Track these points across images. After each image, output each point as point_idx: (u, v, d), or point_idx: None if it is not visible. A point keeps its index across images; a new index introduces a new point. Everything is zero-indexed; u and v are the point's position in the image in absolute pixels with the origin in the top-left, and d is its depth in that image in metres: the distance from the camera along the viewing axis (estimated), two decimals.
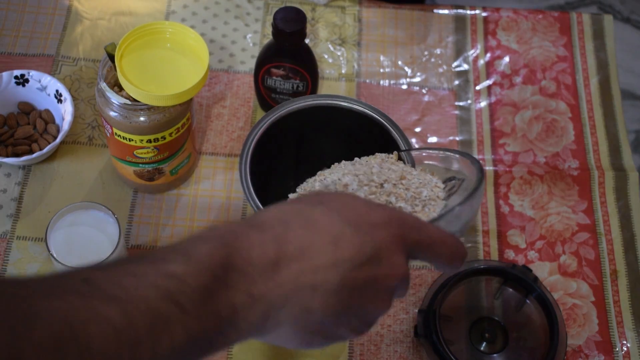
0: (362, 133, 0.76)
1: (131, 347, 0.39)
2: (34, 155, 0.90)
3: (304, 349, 0.49)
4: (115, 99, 0.82)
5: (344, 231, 0.48)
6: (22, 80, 0.96)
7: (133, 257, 0.47)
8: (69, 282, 0.40)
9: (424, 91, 1.05)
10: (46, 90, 0.96)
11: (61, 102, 0.94)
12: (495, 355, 0.85)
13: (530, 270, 0.88)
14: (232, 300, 0.44)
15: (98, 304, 0.39)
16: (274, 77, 0.95)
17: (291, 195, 0.72)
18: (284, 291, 0.46)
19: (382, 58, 1.07)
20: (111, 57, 0.83)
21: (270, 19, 1.07)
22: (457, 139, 1.02)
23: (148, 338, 0.40)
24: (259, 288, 0.45)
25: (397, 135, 0.73)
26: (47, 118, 0.96)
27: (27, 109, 0.97)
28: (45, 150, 0.90)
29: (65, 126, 0.91)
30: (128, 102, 0.82)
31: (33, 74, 0.95)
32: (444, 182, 0.66)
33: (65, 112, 0.93)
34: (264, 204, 0.68)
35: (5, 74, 0.95)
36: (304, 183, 0.70)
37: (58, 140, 0.91)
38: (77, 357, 0.37)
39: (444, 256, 0.53)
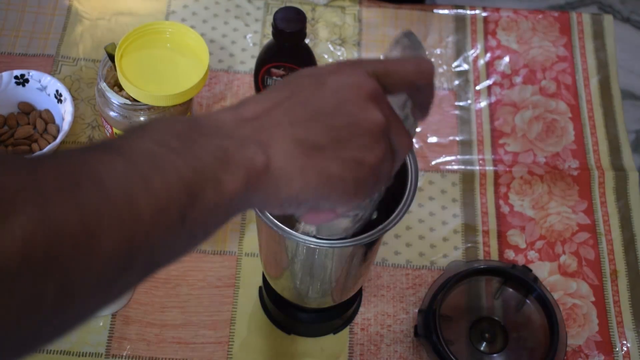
0: None
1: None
2: (34, 155, 0.90)
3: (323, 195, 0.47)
4: (115, 99, 0.82)
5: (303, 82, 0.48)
6: (22, 81, 0.96)
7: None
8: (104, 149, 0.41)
9: None
10: (46, 91, 0.96)
11: (61, 102, 0.94)
12: (495, 355, 0.85)
13: (530, 270, 0.88)
14: (219, 144, 0.44)
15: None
16: (274, 77, 0.95)
17: None
18: (262, 128, 0.46)
19: (382, 58, 1.07)
20: (111, 57, 0.83)
21: (270, 19, 1.07)
22: (457, 139, 1.02)
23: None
24: (240, 132, 0.45)
25: None
26: (47, 118, 0.96)
27: (27, 109, 0.97)
28: (45, 150, 0.90)
29: (65, 126, 0.91)
30: (128, 102, 0.82)
31: (33, 74, 0.96)
32: None
33: (65, 112, 0.93)
34: None
35: (5, 74, 0.95)
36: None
37: (58, 140, 0.91)
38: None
39: (411, 74, 0.51)
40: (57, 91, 0.95)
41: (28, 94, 0.96)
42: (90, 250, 0.36)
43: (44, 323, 0.36)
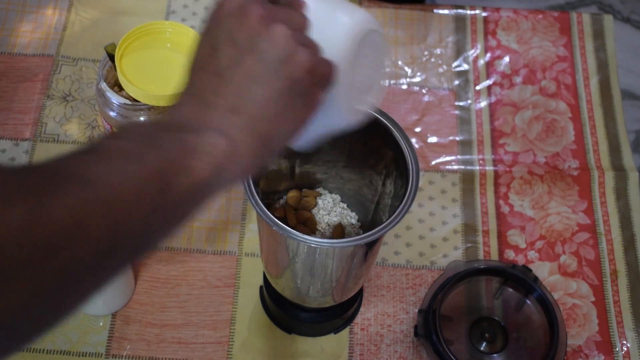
0: (363, 132, 0.76)
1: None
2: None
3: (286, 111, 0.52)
4: (115, 99, 0.82)
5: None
6: None
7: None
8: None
9: (424, 91, 1.05)
10: None
11: None
12: (495, 355, 0.85)
13: (530, 270, 0.88)
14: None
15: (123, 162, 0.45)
16: None
17: None
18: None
19: None
20: (111, 57, 0.83)
21: None
22: (457, 138, 1.02)
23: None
24: (199, 123, 0.50)
25: (397, 134, 0.73)
26: None
27: None
28: None
29: None
30: (128, 102, 0.82)
31: None
32: None
33: None
34: (264, 203, 0.68)
35: None
36: None
37: None
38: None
39: None
40: None
41: None
42: (79, 239, 0.39)
43: (43, 309, 0.39)
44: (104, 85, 0.82)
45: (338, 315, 0.85)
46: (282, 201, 0.84)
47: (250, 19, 0.51)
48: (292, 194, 0.83)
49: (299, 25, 0.53)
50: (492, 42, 1.10)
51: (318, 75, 0.52)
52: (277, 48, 0.51)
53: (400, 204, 0.68)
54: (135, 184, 0.43)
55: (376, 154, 0.78)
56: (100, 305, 0.85)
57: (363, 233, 0.67)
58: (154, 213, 0.44)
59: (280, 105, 0.51)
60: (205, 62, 0.53)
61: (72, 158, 0.43)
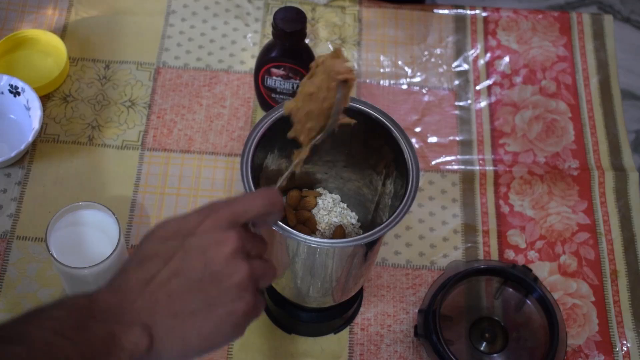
0: (363, 132, 0.76)
1: None
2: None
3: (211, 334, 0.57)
4: None
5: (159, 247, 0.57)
6: None
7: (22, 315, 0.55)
8: None
9: (424, 91, 1.05)
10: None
11: (18, 95, 0.95)
12: (495, 355, 0.85)
13: (530, 270, 0.88)
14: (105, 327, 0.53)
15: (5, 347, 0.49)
16: (274, 77, 0.95)
17: None
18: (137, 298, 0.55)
19: (382, 58, 1.07)
20: None
21: (270, 18, 1.07)
22: (457, 138, 1.02)
23: None
24: (126, 317, 0.54)
25: (397, 134, 0.73)
26: None
27: None
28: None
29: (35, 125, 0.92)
30: None
31: None
32: None
33: (32, 109, 0.94)
34: None
35: None
36: None
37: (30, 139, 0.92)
38: None
39: (264, 207, 0.59)
40: (11, 85, 0.95)
41: None
42: None
43: None
44: None
45: (338, 315, 0.85)
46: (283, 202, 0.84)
47: (225, 246, 0.56)
48: (292, 193, 0.83)
49: (262, 274, 0.58)
50: (492, 42, 1.10)
51: (254, 314, 0.58)
52: (233, 285, 0.56)
53: (400, 203, 0.68)
54: None
55: (376, 154, 0.78)
56: None
57: (363, 233, 0.67)
58: None
59: (214, 327, 0.56)
60: (157, 263, 0.56)
61: (2, 350, 0.48)
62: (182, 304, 0.55)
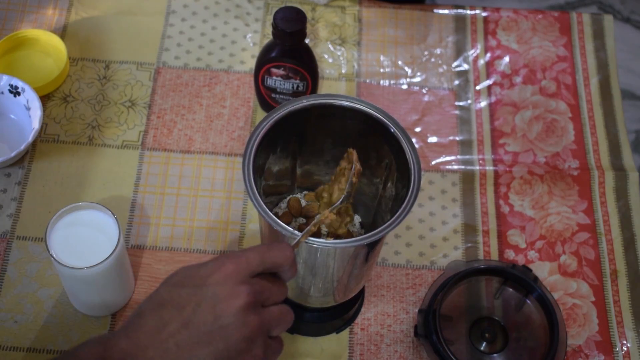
0: (364, 132, 0.76)
1: None
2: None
3: None
4: None
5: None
6: None
7: None
8: None
9: (424, 91, 1.05)
10: None
11: (18, 95, 0.95)
12: (495, 355, 0.85)
13: (530, 270, 0.88)
14: None
15: None
16: (274, 77, 0.95)
17: None
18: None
19: (382, 58, 1.07)
20: None
21: (270, 18, 1.07)
22: (457, 138, 1.02)
23: None
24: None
25: (398, 134, 0.73)
26: None
27: None
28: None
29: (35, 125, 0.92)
30: None
31: None
32: None
33: (32, 109, 0.94)
34: (266, 204, 0.68)
35: None
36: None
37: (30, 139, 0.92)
38: None
39: (279, 259, 0.61)
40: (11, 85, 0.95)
41: None
42: None
43: None
44: None
45: (339, 315, 0.85)
46: (283, 206, 0.85)
47: (236, 300, 0.57)
48: (292, 203, 0.83)
49: (277, 322, 0.61)
50: (492, 42, 1.10)
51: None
52: (241, 339, 0.57)
53: (402, 203, 0.68)
54: None
55: (377, 154, 0.78)
56: (100, 305, 0.85)
57: (365, 233, 0.67)
58: None
59: None
60: (169, 311, 0.58)
61: None
62: (190, 355, 0.57)
